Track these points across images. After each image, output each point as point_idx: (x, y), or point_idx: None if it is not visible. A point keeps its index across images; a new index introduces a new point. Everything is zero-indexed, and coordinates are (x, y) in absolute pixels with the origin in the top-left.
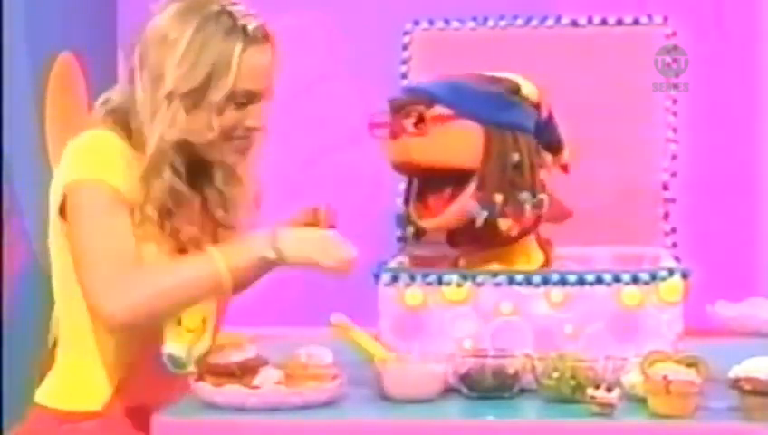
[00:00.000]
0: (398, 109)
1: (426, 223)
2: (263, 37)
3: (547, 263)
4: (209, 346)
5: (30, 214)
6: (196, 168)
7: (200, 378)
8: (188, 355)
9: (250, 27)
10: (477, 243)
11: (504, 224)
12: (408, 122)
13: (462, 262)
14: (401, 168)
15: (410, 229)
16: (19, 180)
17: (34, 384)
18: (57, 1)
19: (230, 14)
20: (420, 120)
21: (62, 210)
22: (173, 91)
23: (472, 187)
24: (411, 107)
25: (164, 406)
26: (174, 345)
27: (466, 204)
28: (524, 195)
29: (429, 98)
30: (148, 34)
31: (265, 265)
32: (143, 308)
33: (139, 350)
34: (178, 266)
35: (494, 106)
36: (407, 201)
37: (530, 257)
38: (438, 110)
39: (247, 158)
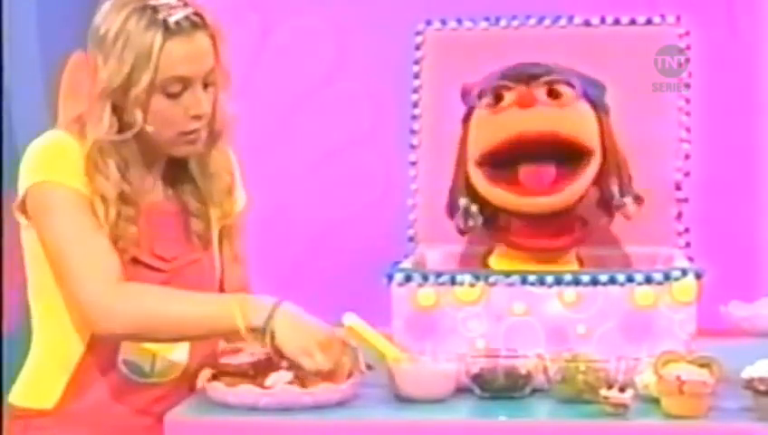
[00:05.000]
0: (527, 79)
1: (534, 202)
2: (190, 27)
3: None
4: (184, 360)
5: None
6: (175, 165)
7: (213, 378)
8: (152, 366)
9: (171, 20)
10: (568, 231)
11: (632, 207)
12: (540, 93)
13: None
14: (520, 139)
15: (476, 219)
16: None
17: None
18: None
19: (153, 8)
20: (553, 92)
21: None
22: (104, 89)
23: (593, 167)
24: (543, 77)
25: (122, 410)
26: (135, 353)
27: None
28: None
29: (553, 73)
30: (90, 30)
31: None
32: (142, 326)
33: (90, 352)
34: (192, 299)
35: (598, 89)
36: (455, 192)
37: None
38: (563, 86)
39: (210, 148)
